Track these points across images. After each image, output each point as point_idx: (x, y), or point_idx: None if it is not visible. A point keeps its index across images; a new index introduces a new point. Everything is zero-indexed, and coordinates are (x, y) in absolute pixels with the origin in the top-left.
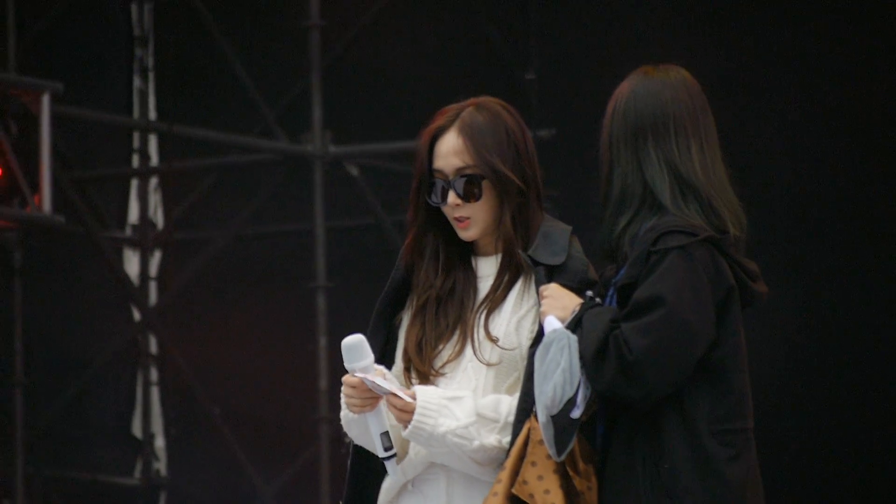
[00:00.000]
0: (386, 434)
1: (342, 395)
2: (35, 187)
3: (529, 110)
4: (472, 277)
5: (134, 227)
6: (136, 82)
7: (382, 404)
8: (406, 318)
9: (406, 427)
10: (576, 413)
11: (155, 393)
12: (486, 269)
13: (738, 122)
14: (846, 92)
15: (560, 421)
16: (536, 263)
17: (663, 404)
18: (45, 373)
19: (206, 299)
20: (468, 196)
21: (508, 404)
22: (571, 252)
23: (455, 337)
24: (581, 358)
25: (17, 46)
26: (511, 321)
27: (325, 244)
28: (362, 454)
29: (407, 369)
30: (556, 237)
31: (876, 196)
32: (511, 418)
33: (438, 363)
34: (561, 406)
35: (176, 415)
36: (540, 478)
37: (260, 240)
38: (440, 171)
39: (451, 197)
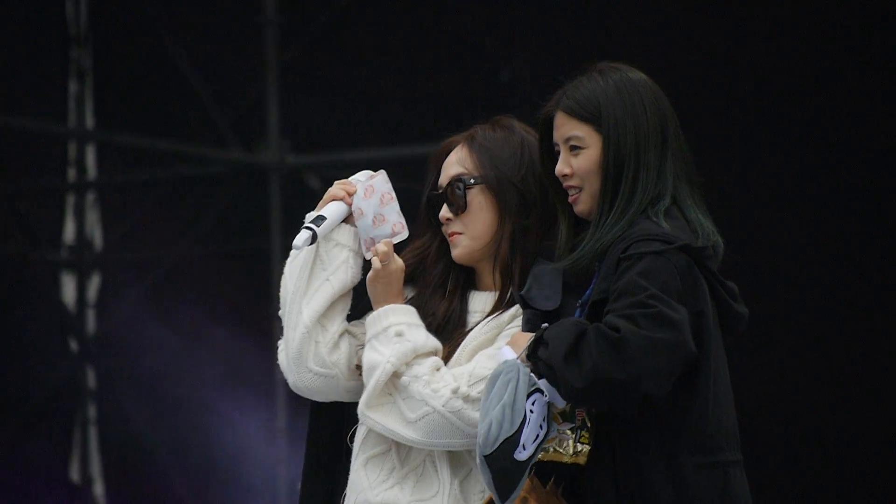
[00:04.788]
0: (322, 218)
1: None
2: None
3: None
4: (464, 311)
5: (70, 247)
6: (72, 86)
7: (350, 222)
8: None
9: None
10: (521, 455)
11: (93, 433)
12: (478, 305)
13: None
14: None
15: (499, 462)
16: (528, 306)
17: (644, 436)
18: None
19: (151, 328)
20: (455, 206)
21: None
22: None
23: None
24: (550, 368)
25: None
26: (469, 347)
27: (282, 264)
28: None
29: None
30: (547, 279)
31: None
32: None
33: None
34: (496, 446)
35: (116, 457)
36: None
37: (211, 260)
38: (440, 187)
39: (443, 210)
